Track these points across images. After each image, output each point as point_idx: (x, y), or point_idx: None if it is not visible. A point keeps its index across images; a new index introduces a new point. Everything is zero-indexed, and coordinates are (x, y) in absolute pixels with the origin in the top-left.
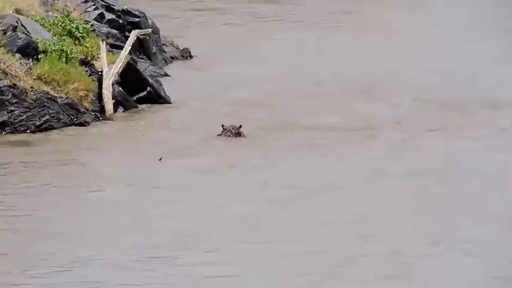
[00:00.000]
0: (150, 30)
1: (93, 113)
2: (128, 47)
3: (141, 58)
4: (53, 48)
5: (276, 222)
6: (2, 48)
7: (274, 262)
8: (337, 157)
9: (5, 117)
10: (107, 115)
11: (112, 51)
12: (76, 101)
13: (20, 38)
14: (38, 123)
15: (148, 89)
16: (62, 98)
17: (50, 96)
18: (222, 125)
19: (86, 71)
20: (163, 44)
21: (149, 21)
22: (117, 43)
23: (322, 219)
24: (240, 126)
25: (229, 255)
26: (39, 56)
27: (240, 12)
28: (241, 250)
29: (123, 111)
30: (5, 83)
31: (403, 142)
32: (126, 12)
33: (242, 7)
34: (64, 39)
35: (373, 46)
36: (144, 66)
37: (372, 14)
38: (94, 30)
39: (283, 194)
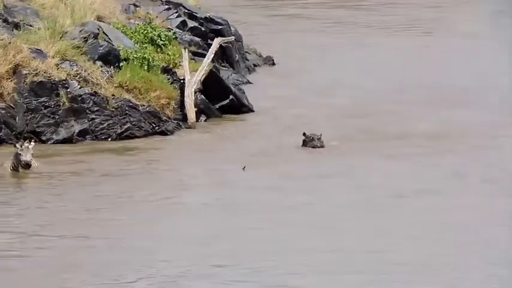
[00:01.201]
0: (233, 38)
1: (175, 121)
2: (210, 54)
3: (223, 66)
4: (135, 55)
5: (369, 229)
6: (83, 55)
7: (379, 270)
8: (427, 164)
9: (85, 125)
10: (189, 123)
11: (194, 59)
12: (158, 109)
13: (102, 46)
14: (119, 131)
15: (231, 97)
16: (144, 106)
17: (131, 104)
18: (304, 133)
19: (168, 79)
20: (246, 52)
21: (232, 28)
22: (200, 51)
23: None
24: (320, 135)
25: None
26: (121, 64)
27: (319, 17)
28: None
29: (205, 120)
30: (86, 91)
31: (493, 148)
32: (209, 20)
33: (321, 12)
34: (146, 47)
35: (455, 51)
36: (226, 74)
37: (451, 20)
38: (176, 37)
39: (375, 201)
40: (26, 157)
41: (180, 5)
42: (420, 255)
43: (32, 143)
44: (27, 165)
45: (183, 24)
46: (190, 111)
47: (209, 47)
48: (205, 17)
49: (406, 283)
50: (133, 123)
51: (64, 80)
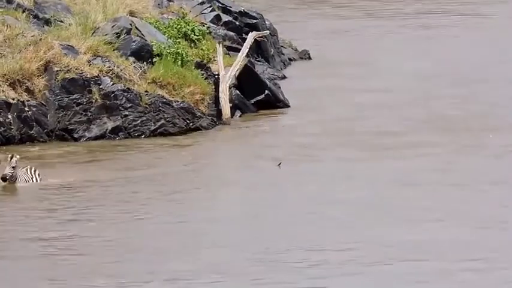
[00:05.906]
0: (268, 32)
1: (210, 117)
2: (245, 49)
3: (258, 60)
4: (168, 51)
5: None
6: (115, 51)
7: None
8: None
9: (118, 122)
10: (224, 119)
11: (229, 54)
12: (192, 105)
13: (134, 41)
14: (152, 127)
15: (266, 92)
16: (178, 102)
17: (165, 100)
18: None
19: (202, 74)
20: (282, 46)
21: (267, 22)
22: (234, 45)
23: None
24: None
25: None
26: (154, 60)
27: (353, 8)
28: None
29: (240, 115)
30: (119, 87)
31: None
32: (243, 14)
33: (353, 1)
34: (179, 42)
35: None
36: (261, 68)
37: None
38: (210, 32)
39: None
40: (5, 170)
41: None
42: None
43: (15, 158)
44: (3, 179)
45: (217, 19)
46: (225, 107)
47: (244, 42)
48: (240, 11)
49: None
50: (167, 119)
51: (96, 76)
